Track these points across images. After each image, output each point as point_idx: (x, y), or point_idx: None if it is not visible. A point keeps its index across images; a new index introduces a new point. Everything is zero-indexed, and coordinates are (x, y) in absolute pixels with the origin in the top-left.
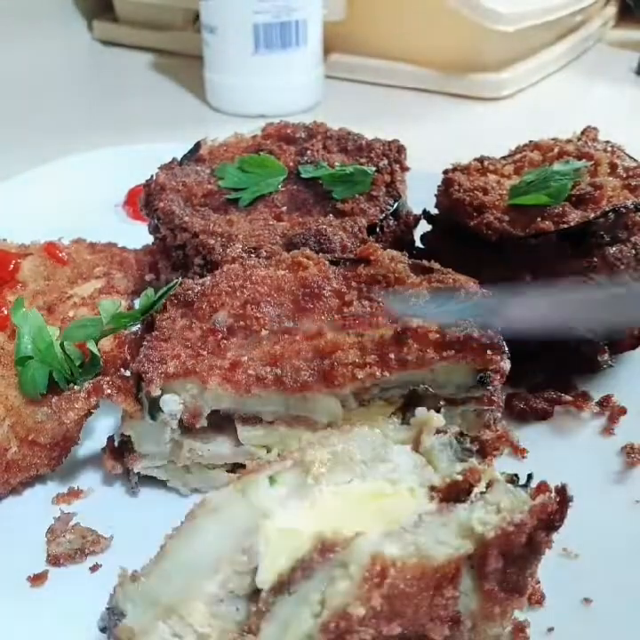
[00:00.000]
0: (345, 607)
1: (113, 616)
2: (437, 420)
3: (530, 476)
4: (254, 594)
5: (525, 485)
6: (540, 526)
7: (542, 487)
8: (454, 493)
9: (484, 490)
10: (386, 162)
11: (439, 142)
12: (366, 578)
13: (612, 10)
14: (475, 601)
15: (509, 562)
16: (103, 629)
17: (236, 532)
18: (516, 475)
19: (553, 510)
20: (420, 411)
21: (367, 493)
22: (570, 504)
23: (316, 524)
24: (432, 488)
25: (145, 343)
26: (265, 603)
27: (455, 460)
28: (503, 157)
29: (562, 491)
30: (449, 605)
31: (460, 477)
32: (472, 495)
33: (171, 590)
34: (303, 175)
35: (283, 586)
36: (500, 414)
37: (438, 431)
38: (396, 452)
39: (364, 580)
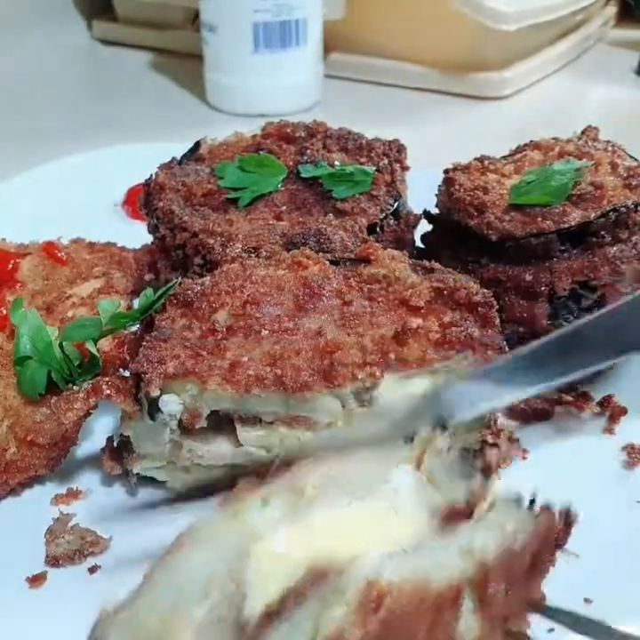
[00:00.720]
0: (340, 633)
1: None
2: (441, 439)
3: (534, 497)
4: (243, 623)
5: (530, 505)
6: (544, 548)
7: (545, 510)
8: (456, 514)
9: (487, 510)
10: (386, 161)
11: (439, 142)
12: (362, 603)
13: (612, 9)
14: (475, 624)
15: (512, 583)
16: None
17: (224, 557)
18: (518, 494)
19: (557, 531)
20: (424, 429)
21: (366, 516)
22: (575, 524)
23: (310, 550)
24: (433, 509)
25: (144, 343)
26: (252, 633)
27: (458, 479)
28: (504, 157)
29: (567, 512)
30: (448, 630)
31: (461, 499)
32: (474, 515)
33: (156, 619)
34: (303, 175)
35: (272, 615)
36: (500, 414)
37: (441, 450)
38: (396, 473)
39: (361, 606)
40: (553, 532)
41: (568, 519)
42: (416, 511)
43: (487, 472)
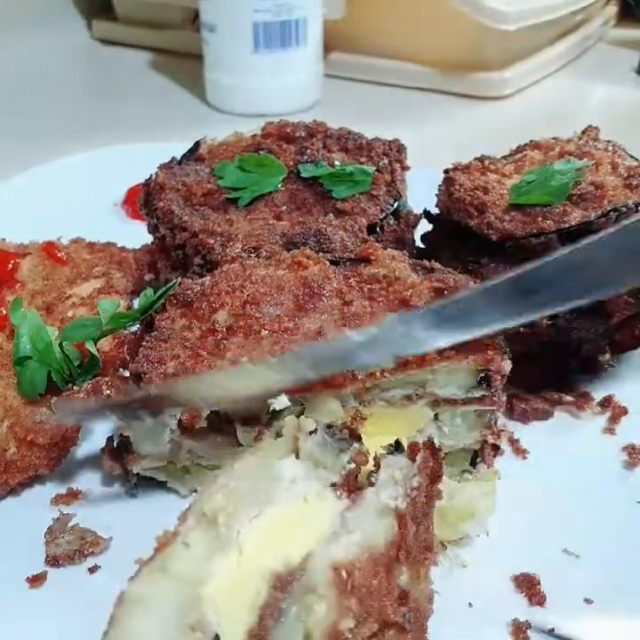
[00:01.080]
0: (334, 626)
1: None
2: (306, 422)
3: (398, 442)
4: None
5: (401, 451)
6: (430, 481)
7: (414, 448)
8: (352, 483)
9: (374, 468)
10: (386, 161)
11: (439, 141)
12: (337, 590)
13: (612, 9)
14: (405, 572)
15: (417, 523)
16: None
17: (173, 615)
18: (390, 444)
19: (434, 464)
20: (289, 419)
21: (284, 517)
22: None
23: (257, 565)
24: (333, 485)
25: (144, 343)
26: None
27: (337, 452)
28: (504, 157)
29: (430, 444)
30: (395, 585)
31: (351, 466)
32: (370, 478)
33: None
34: (303, 174)
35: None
36: (500, 415)
37: (310, 433)
38: (283, 466)
39: (337, 593)
40: (430, 465)
41: (434, 450)
42: (321, 493)
43: (352, 434)
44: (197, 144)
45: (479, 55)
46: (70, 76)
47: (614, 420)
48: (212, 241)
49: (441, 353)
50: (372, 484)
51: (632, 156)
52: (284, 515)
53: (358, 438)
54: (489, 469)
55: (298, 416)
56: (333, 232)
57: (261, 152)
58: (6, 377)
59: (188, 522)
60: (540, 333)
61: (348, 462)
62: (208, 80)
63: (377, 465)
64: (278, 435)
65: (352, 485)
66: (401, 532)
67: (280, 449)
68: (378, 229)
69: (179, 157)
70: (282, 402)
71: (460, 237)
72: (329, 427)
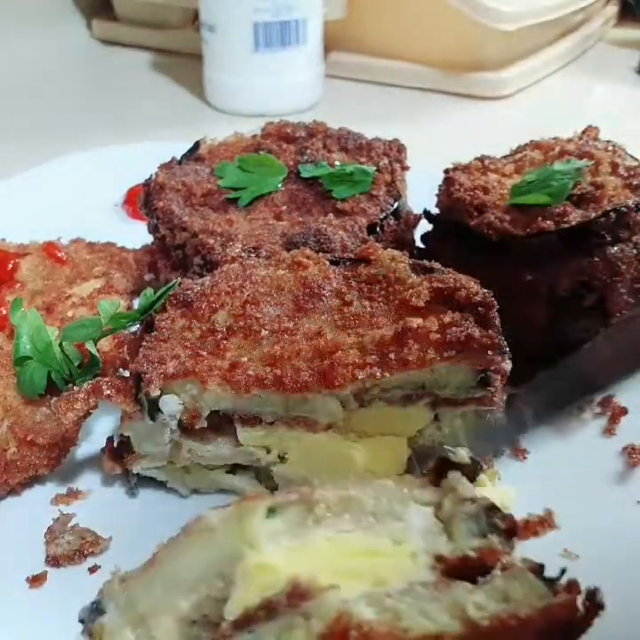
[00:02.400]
0: None
1: (94, 611)
2: (467, 487)
3: (563, 571)
4: (219, 619)
5: (552, 579)
6: (555, 630)
7: (572, 586)
8: (462, 570)
9: (499, 574)
10: (386, 161)
11: (439, 141)
12: (325, 635)
13: (612, 9)
14: None
15: None
16: (82, 621)
17: (220, 556)
18: (542, 565)
19: (574, 616)
20: (453, 474)
21: (363, 547)
22: (599, 613)
23: (298, 567)
24: (438, 558)
25: (144, 343)
26: (223, 635)
27: (476, 535)
28: (504, 157)
29: (593, 595)
30: None
31: (473, 554)
32: (482, 577)
33: (149, 600)
34: (303, 174)
35: (246, 622)
36: (500, 415)
37: (466, 499)
38: (413, 513)
39: (322, 637)
40: (570, 614)
41: (593, 604)
42: (419, 554)
43: (510, 533)
44: (197, 144)
45: (479, 55)
46: (70, 76)
47: (614, 420)
48: (212, 241)
49: (441, 353)
50: (472, 580)
51: (632, 156)
52: (365, 547)
53: (511, 534)
54: (489, 469)
55: (471, 477)
56: (333, 232)
57: (261, 152)
58: (6, 377)
59: (290, 495)
60: (540, 333)
61: (474, 549)
62: (208, 80)
63: (504, 571)
64: (439, 484)
65: (456, 571)
66: None
67: (426, 496)
68: (378, 229)
69: (179, 157)
70: (462, 456)
71: (460, 237)
72: (492, 508)
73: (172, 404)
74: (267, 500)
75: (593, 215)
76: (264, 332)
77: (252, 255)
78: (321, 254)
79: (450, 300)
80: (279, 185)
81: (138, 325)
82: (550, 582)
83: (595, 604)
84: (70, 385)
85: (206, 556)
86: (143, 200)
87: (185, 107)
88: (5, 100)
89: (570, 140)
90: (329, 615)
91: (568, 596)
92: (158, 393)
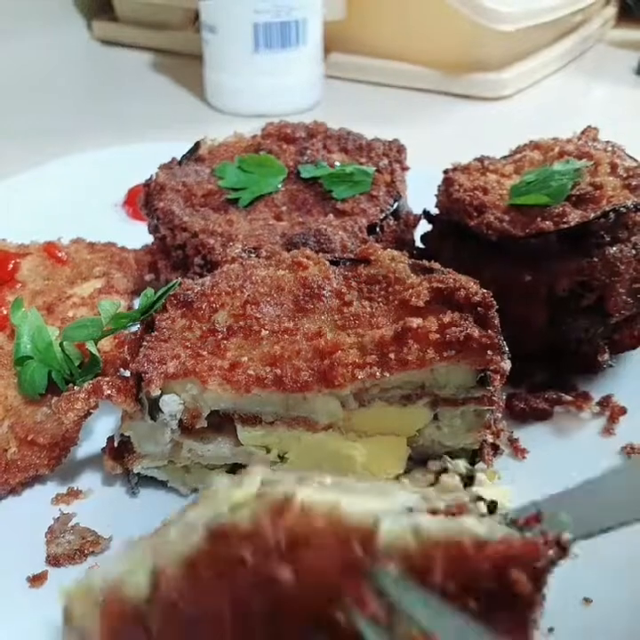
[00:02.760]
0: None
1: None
2: (459, 488)
3: (537, 510)
4: None
5: (523, 526)
6: (514, 566)
7: (530, 519)
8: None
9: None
10: (386, 161)
11: (439, 142)
12: (266, 512)
13: (611, 10)
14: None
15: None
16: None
17: (212, 514)
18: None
19: (536, 552)
20: (448, 477)
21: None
22: (564, 555)
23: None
24: (409, 509)
25: (144, 343)
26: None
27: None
28: (503, 157)
29: (559, 539)
30: (362, 578)
31: (442, 507)
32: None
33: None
34: (303, 175)
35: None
36: (500, 414)
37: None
38: (399, 493)
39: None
40: (532, 553)
41: (560, 547)
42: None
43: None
44: (197, 144)
45: (479, 56)
46: (70, 76)
47: (613, 419)
48: (212, 241)
49: (441, 353)
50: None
51: (631, 157)
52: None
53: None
54: (489, 469)
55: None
56: (333, 232)
57: (261, 152)
58: (7, 377)
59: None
60: (539, 333)
61: (476, 500)
62: (208, 80)
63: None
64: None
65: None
66: (422, 566)
67: (417, 486)
68: (378, 230)
69: (179, 157)
70: (460, 468)
71: (460, 237)
72: (515, 521)
73: (172, 404)
74: (258, 475)
75: (592, 216)
76: (264, 332)
77: (253, 255)
78: (321, 254)
79: (449, 301)
80: (279, 185)
81: (138, 325)
82: (520, 527)
83: (561, 546)
84: (71, 385)
85: (206, 513)
86: (143, 200)
87: (185, 107)
88: (5, 100)
89: (569, 141)
90: (275, 495)
91: (534, 536)
92: (159, 393)
